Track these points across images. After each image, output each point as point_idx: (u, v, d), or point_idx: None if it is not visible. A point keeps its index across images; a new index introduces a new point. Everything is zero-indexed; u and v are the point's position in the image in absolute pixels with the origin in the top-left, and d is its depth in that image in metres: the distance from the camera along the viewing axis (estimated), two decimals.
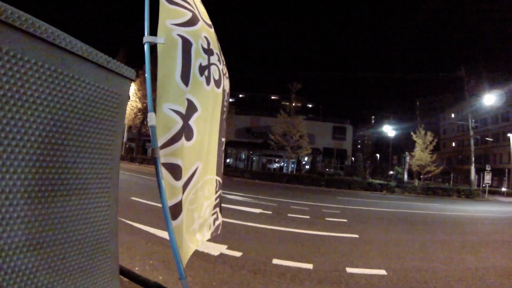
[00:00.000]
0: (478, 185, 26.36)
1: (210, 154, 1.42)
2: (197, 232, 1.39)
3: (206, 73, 1.31)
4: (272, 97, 52.06)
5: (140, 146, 36.82)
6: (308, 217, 9.20)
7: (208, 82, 1.31)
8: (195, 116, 1.25)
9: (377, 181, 27.31)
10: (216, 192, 1.52)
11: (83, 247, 0.68)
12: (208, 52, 1.34)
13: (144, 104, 30.01)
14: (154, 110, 1.06)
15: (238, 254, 4.97)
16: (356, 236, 7.04)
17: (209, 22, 1.48)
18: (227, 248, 5.13)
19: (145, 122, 31.19)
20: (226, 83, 1.53)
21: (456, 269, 5.27)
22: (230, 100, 46.46)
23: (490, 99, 27.40)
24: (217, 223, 1.64)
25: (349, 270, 4.68)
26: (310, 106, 51.40)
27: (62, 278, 0.63)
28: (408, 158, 29.59)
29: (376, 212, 12.52)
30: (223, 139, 1.56)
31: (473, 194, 23.43)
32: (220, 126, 1.49)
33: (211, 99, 1.36)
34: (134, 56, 36.12)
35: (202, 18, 1.40)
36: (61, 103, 0.58)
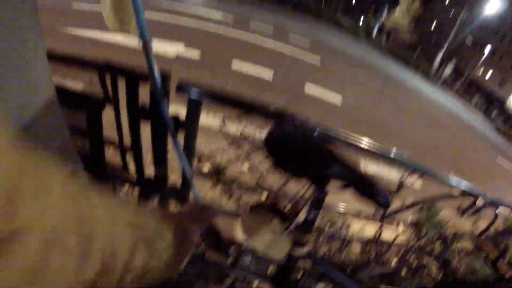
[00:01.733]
0: (437, 71, 26.77)
1: None
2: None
3: None
4: None
5: None
6: (271, 27, 8.47)
7: None
8: None
9: (348, 19, 25.41)
10: None
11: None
12: None
13: None
14: None
15: (196, 53, 4.46)
16: (318, 57, 6.88)
17: None
18: (184, 45, 4.54)
19: None
20: None
21: (403, 115, 5.76)
22: None
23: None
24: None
25: (308, 90, 4.70)
26: None
27: None
28: (385, 14, 28.15)
29: (340, 42, 12.22)
30: None
31: (429, 75, 23.83)
32: None
33: None
34: None
35: None
36: None
